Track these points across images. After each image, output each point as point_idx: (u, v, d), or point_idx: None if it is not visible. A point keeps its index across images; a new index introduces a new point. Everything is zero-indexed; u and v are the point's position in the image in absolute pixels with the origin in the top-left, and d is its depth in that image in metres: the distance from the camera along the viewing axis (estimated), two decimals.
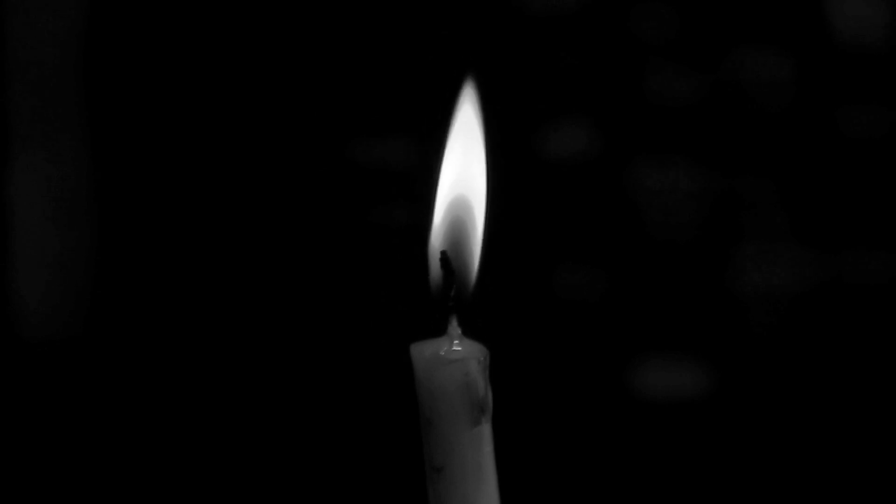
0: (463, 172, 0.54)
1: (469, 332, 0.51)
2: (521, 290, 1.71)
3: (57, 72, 1.75)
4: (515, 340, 1.68)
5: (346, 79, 1.73)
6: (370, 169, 1.73)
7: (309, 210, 1.75)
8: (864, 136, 1.68)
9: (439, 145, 0.54)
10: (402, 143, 1.73)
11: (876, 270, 1.68)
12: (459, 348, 0.51)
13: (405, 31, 1.73)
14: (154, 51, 1.75)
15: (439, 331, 0.51)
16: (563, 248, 1.71)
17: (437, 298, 0.51)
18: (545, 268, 1.72)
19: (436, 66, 1.72)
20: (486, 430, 0.51)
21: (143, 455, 1.67)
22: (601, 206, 1.71)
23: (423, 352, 0.51)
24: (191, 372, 1.74)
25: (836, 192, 1.69)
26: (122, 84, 1.76)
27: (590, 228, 1.71)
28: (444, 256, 0.52)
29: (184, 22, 1.74)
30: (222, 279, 1.76)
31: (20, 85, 1.74)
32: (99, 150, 1.77)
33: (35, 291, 1.76)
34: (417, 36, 1.73)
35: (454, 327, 0.51)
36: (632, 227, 1.70)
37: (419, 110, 1.73)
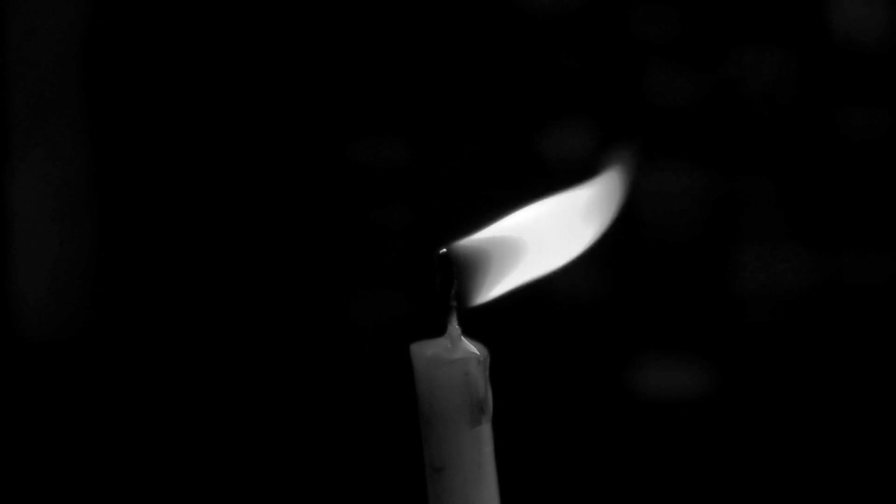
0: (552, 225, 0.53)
1: (469, 332, 0.51)
2: (521, 290, 1.70)
3: (57, 72, 1.75)
4: (515, 340, 1.68)
5: (346, 79, 1.73)
6: (370, 169, 1.73)
7: (309, 210, 1.75)
8: (864, 137, 1.68)
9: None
10: (402, 143, 1.73)
11: (876, 270, 1.68)
12: (459, 348, 0.51)
13: (405, 31, 1.73)
14: (154, 51, 1.75)
15: (439, 331, 0.51)
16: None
17: (441, 298, 0.51)
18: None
19: (436, 66, 1.72)
20: (486, 430, 0.51)
21: (143, 455, 1.67)
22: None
23: (423, 352, 0.51)
24: (191, 372, 1.74)
25: (836, 192, 1.69)
26: (122, 84, 1.76)
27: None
28: (444, 257, 0.51)
29: (184, 22, 1.74)
30: (222, 279, 1.76)
31: (20, 85, 1.74)
32: (99, 150, 1.77)
33: (35, 291, 1.76)
34: (418, 36, 1.73)
35: (454, 327, 0.51)
36: (632, 227, 1.70)
37: (419, 110, 1.73)
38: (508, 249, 0.53)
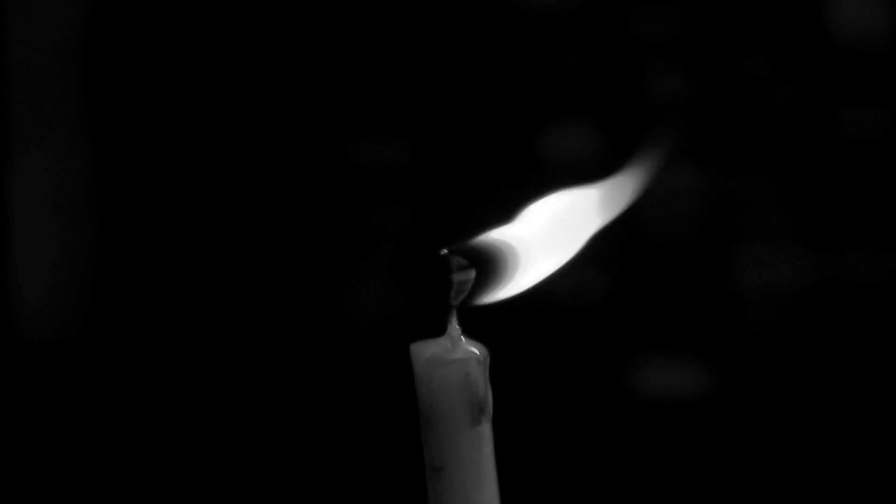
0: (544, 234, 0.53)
1: (469, 332, 0.51)
2: (522, 290, 1.70)
3: (57, 72, 1.75)
4: (516, 340, 1.68)
5: (346, 79, 1.73)
6: (370, 169, 1.73)
7: (309, 210, 1.75)
8: (864, 137, 1.68)
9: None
10: (402, 143, 1.73)
11: (876, 270, 1.68)
12: (459, 348, 0.51)
13: (405, 31, 1.73)
14: (154, 51, 1.75)
15: (439, 331, 0.51)
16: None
17: (441, 298, 0.51)
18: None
19: (436, 66, 1.72)
20: (486, 430, 0.51)
21: (143, 455, 1.67)
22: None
23: (423, 352, 0.51)
24: (191, 371, 1.74)
25: (836, 192, 1.69)
26: (122, 84, 1.76)
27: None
28: (444, 258, 0.51)
29: (184, 22, 1.74)
30: (222, 279, 1.76)
31: (20, 85, 1.74)
32: (99, 150, 1.77)
33: (35, 291, 1.76)
34: (418, 36, 1.73)
35: (454, 327, 0.51)
36: (632, 227, 1.70)
37: (419, 110, 1.73)
38: (511, 255, 0.53)
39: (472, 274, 0.51)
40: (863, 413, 1.67)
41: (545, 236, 0.54)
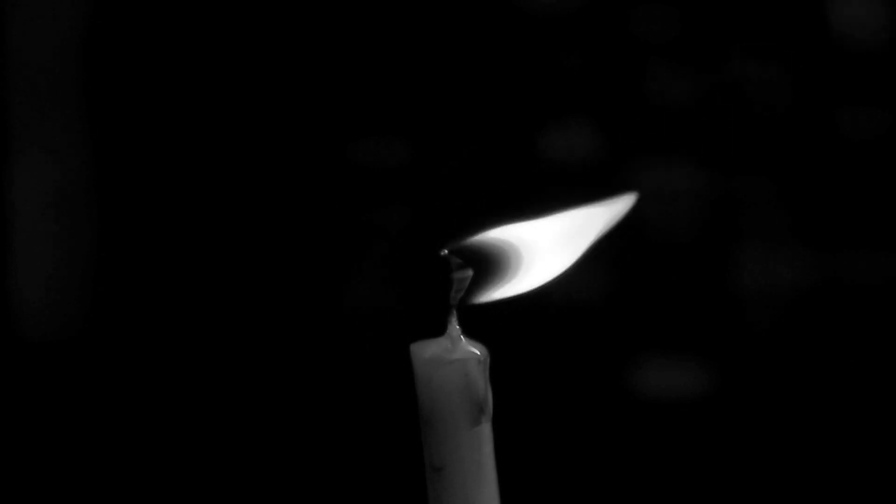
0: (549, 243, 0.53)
1: (469, 332, 0.51)
2: (523, 292, 1.70)
3: (57, 72, 1.75)
4: (516, 340, 1.68)
5: (346, 79, 1.73)
6: (370, 169, 1.73)
7: (309, 211, 1.75)
8: (864, 137, 1.68)
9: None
10: (402, 143, 1.73)
11: (876, 270, 1.68)
12: (459, 348, 0.51)
13: (405, 31, 1.73)
14: (154, 51, 1.75)
15: (439, 331, 0.51)
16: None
17: (442, 298, 0.51)
18: None
19: (436, 66, 1.72)
20: (486, 430, 0.51)
21: (143, 455, 1.67)
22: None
23: (423, 352, 0.51)
24: (191, 372, 1.74)
25: (836, 192, 1.69)
26: (122, 84, 1.76)
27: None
28: (445, 258, 0.51)
29: (184, 22, 1.74)
30: (222, 279, 1.76)
31: (20, 85, 1.74)
32: (99, 150, 1.77)
33: (35, 291, 1.76)
34: (418, 36, 1.73)
35: (454, 327, 0.51)
36: (632, 227, 1.70)
37: (419, 110, 1.73)
38: (511, 255, 0.53)
39: (471, 273, 0.51)
40: (863, 413, 1.67)
41: (548, 237, 0.54)
